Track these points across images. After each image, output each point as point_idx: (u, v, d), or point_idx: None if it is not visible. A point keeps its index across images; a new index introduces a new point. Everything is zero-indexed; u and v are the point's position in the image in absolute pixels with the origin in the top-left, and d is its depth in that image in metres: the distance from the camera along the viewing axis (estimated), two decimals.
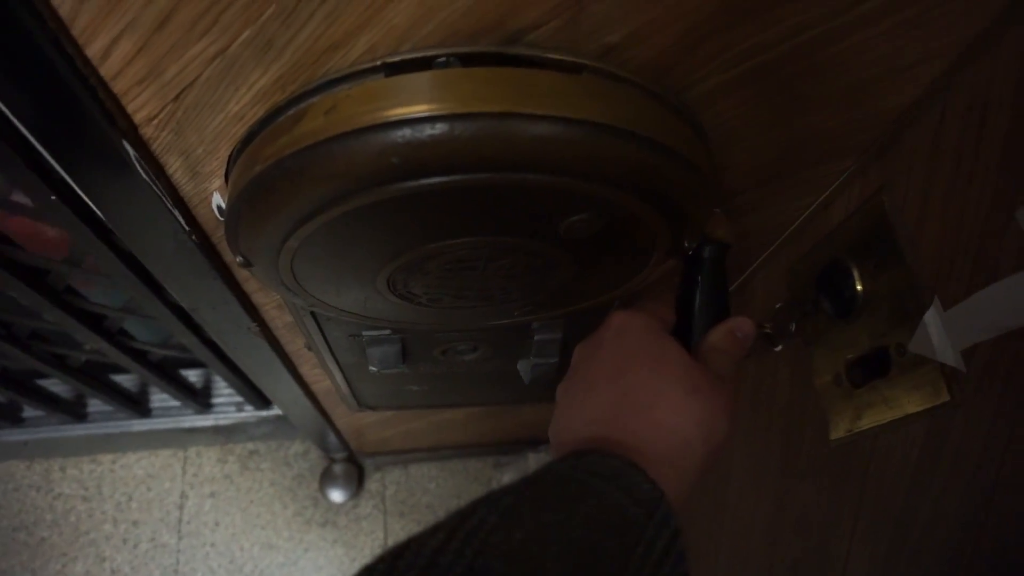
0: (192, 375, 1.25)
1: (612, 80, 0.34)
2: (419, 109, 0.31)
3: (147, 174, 0.39)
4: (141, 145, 0.37)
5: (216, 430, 1.30)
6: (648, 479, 0.31)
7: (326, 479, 1.32)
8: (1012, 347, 0.34)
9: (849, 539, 0.48)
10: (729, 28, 0.31)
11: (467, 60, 0.32)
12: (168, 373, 1.15)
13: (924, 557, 0.41)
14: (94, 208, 0.42)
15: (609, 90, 0.34)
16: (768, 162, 0.44)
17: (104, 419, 1.28)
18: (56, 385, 1.20)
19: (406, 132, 0.31)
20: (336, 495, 1.32)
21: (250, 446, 1.35)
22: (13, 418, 1.26)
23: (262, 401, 1.26)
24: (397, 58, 0.32)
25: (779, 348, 0.54)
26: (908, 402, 0.41)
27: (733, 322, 0.42)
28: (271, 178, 0.34)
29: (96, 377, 1.14)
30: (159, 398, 1.28)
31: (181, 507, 1.31)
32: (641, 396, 0.36)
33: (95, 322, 0.91)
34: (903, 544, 0.43)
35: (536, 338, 0.63)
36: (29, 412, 1.26)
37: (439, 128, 0.31)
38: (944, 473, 0.39)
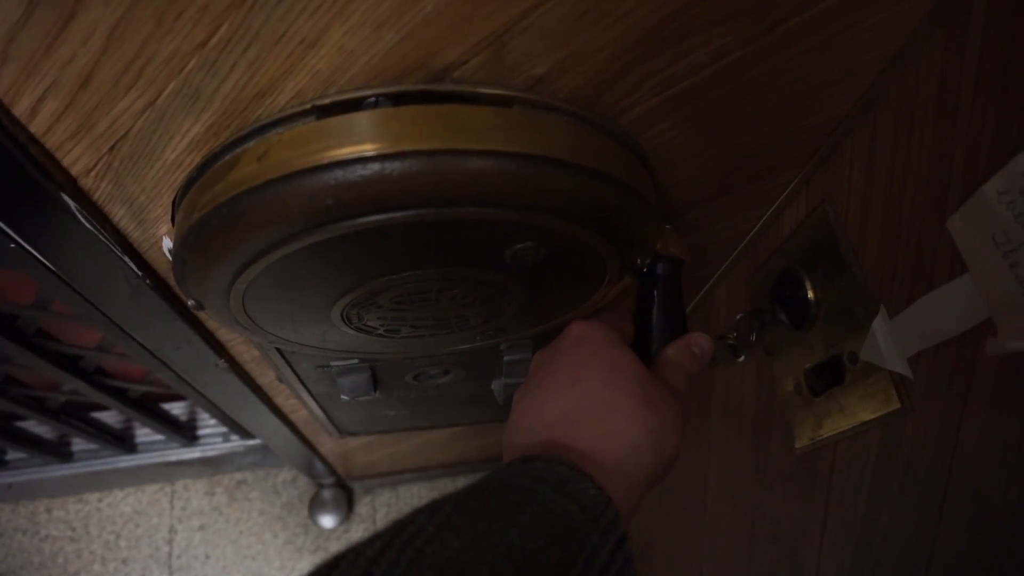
0: (176, 408, 1.25)
1: (544, 110, 0.34)
2: (350, 151, 0.31)
3: (91, 224, 0.39)
4: (82, 196, 0.37)
5: (203, 462, 1.29)
6: (595, 485, 0.30)
7: (316, 505, 1.31)
8: (952, 354, 0.34)
9: (819, 547, 0.49)
10: (650, 56, 0.32)
11: (396, 99, 0.32)
12: (150, 408, 1.14)
13: (886, 563, 0.41)
14: (44, 261, 0.42)
15: (540, 120, 0.34)
16: (715, 178, 0.44)
17: (89, 457, 1.27)
18: (38, 426, 1.19)
19: (338, 174, 0.32)
20: (327, 521, 1.31)
21: (238, 476, 1.35)
22: None
23: (247, 430, 1.25)
24: (327, 100, 0.32)
25: (742, 358, 0.54)
26: (862, 410, 0.42)
27: (690, 338, 0.43)
28: (210, 225, 0.34)
29: (77, 416, 1.13)
30: (143, 433, 1.27)
31: (170, 542, 1.30)
32: (594, 404, 0.36)
33: (70, 363, 0.91)
34: (867, 552, 0.43)
35: (506, 359, 0.63)
36: (12, 454, 1.25)
37: (371, 168, 0.32)
38: (899, 481, 0.39)
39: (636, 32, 0.30)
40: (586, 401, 0.36)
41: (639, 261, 0.44)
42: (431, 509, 0.27)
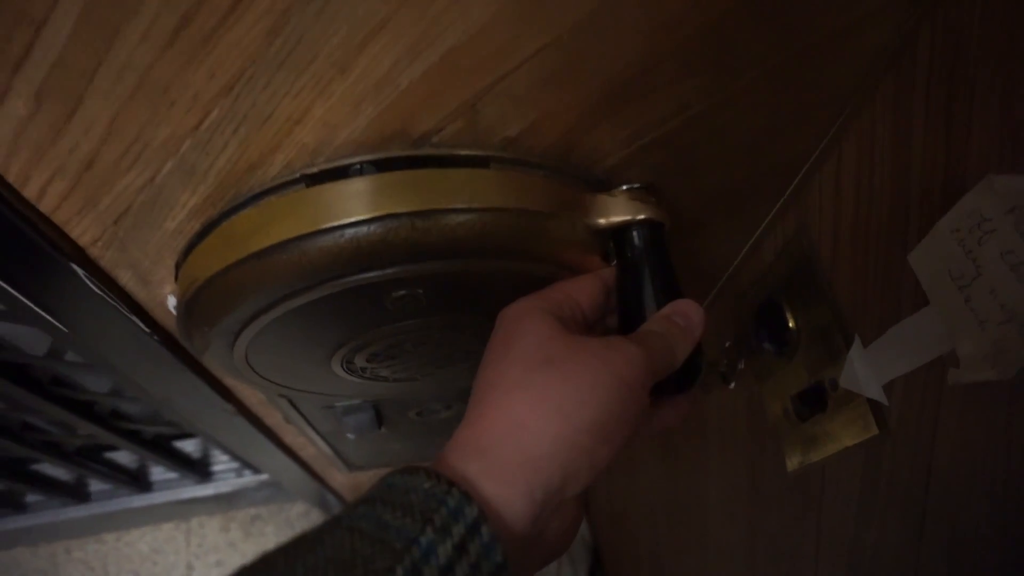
0: (188, 445, 1.26)
1: (521, 166, 0.36)
2: (338, 216, 0.33)
3: (99, 288, 0.41)
4: (89, 264, 0.40)
5: (217, 498, 1.30)
6: (431, 477, 0.26)
7: None
8: (921, 382, 0.36)
9: (815, 567, 0.50)
10: (615, 113, 0.34)
11: (380, 165, 0.34)
12: (164, 447, 1.16)
13: None
14: (56, 323, 0.45)
15: (517, 177, 0.36)
16: (692, 215, 0.46)
17: (106, 498, 1.28)
18: (55, 468, 1.22)
19: (328, 238, 0.34)
20: None
21: (252, 511, 1.36)
22: (15, 504, 1.27)
23: None
24: (315, 169, 0.35)
25: (732, 385, 0.56)
26: (845, 435, 0.43)
27: (672, 306, 0.36)
28: (209, 290, 0.36)
29: (93, 458, 1.15)
30: (158, 471, 1.29)
31: None
32: (479, 391, 0.31)
33: (85, 409, 0.93)
34: (859, 570, 0.44)
35: None
36: (31, 497, 1.27)
37: (358, 231, 0.33)
38: (882, 502, 0.40)
39: (599, 94, 0.32)
40: (474, 394, 0.32)
41: (610, 245, 0.39)
42: (257, 558, 0.25)
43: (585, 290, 0.36)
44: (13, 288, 0.40)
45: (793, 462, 0.50)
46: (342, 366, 0.46)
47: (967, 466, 0.33)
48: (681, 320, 0.35)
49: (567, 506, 0.30)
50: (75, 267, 0.39)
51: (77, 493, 1.27)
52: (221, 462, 1.29)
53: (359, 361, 0.46)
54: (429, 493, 0.25)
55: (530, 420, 0.28)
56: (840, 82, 0.36)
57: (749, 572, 0.61)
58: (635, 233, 0.38)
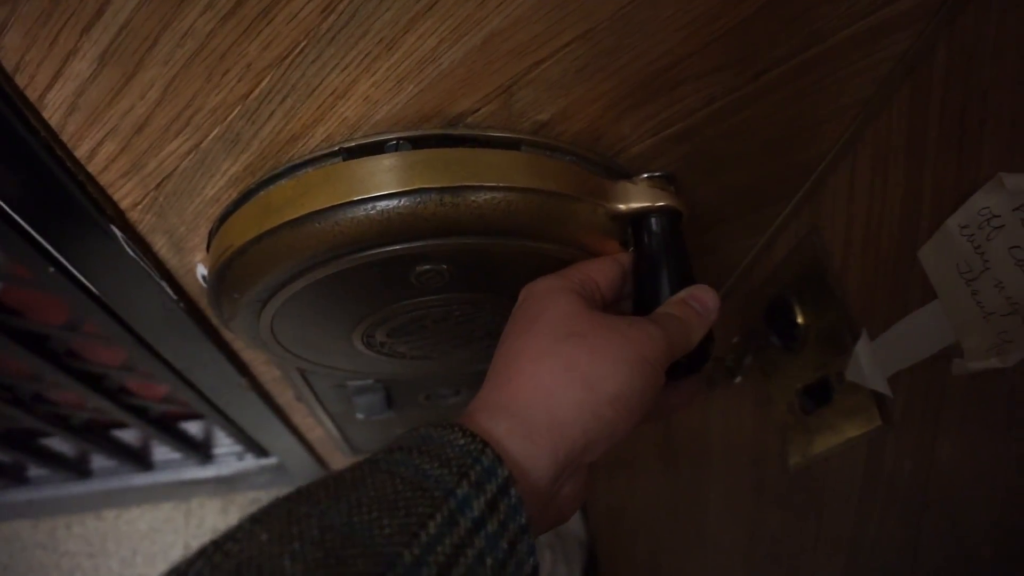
0: (192, 427, 1.28)
1: (548, 151, 0.38)
2: (373, 189, 0.35)
3: (135, 252, 0.43)
4: (128, 227, 0.41)
5: (218, 481, 1.31)
6: (466, 434, 0.27)
7: None
8: (926, 374, 0.37)
9: (813, 561, 0.51)
10: (643, 104, 0.35)
11: (416, 142, 0.36)
12: (169, 427, 1.18)
13: (875, 574, 0.43)
14: (88, 284, 0.46)
15: (545, 161, 0.37)
16: (710, 209, 0.47)
17: (107, 475, 1.30)
18: (60, 443, 1.23)
19: (362, 209, 0.35)
20: None
21: (251, 495, 1.37)
22: (18, 478, 1.28)
23: (262, 450, 1.28)
24: (353, 143, 0.36)
25: (738, 380, 0.57)
26: (849, 427, 0.44)
27: (688, 291, 0.37)
28: (243, 256, 0.38)
29: (99, 434, 1.16)
30: (160, 451, 1.30)
31: None
32: (504, 360, 0.32)
33: (96, 382, 0.94)
34: (857, 563, 0.45)
35: None
36: (34, 471, 1.29)
37: (391, 204, 0.35)
38: (883, 495, 0.42)
39: (630, 83, 0.34)
40: (500, 359, 0.33)
41: (629, 231, 0.41)
42: (259, 508, 0.25)
43: (604, 271, 0.38)
44: (53, 247, 0.42)
45: (796, 456, 0.51)
46: (362, 340, 0.47)
47: (970, 458, 0.35)
48: (697, 305, 0.36)
49: (580, 471, 0.31)
50: (115, 230, 0.40)
51: (79, 469, 1.28)
52: (223, 445, 1.30)
53: (379, 336, 0.47)
54: (465, 449, 0.26)
55: (557, 387, 0.30)
56: (859, 86, 0.37)
57: (748, 570, 0.62)
58: (653, 220, 0.39)
